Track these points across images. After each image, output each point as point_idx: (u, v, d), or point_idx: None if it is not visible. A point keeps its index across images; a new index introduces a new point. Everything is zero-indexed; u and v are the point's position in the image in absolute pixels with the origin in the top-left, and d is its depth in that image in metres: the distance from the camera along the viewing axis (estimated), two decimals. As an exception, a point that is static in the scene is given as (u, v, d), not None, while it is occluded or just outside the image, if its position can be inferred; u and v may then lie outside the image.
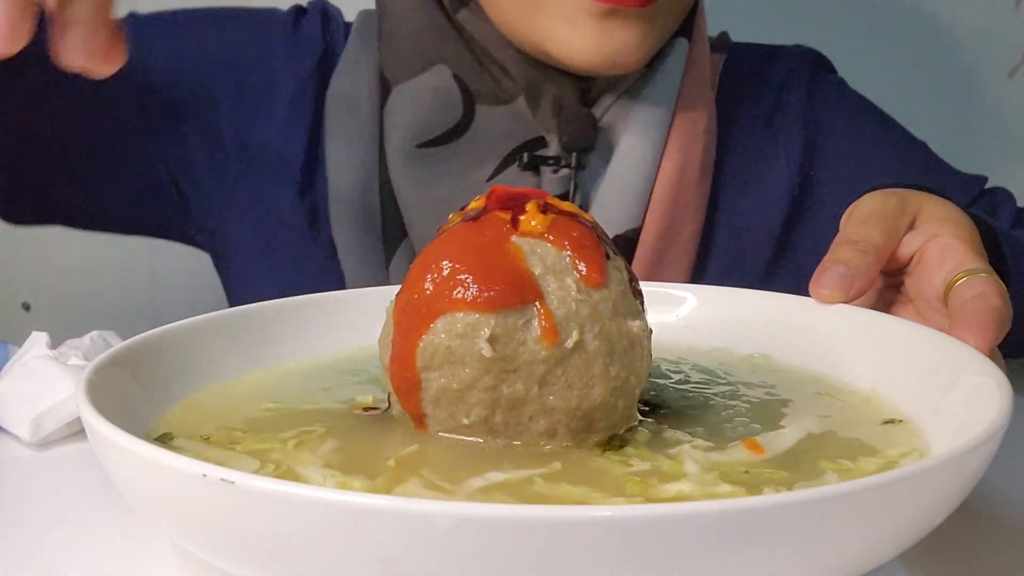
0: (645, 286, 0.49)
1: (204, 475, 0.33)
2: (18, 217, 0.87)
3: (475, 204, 0.46)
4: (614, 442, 0.44)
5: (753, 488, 0.39)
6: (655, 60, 0.82)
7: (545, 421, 0.42)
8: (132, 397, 0.48)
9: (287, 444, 0.44)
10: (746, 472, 0.41)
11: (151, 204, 0.88)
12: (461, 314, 0.42)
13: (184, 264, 1.89)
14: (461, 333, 0.42)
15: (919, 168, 0.89)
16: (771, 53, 0.93)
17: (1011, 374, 0.44)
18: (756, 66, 0.92)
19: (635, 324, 0.44)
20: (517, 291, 0.42)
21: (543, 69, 0.79)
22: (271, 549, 0.34)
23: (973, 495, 0.38)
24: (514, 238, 0.43)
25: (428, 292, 0.43)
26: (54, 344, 0.64)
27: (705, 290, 0.66)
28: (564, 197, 0.76)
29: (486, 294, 0.42)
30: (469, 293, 0.42)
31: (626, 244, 0.81)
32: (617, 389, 0.43)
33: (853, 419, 0.49)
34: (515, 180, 0.79)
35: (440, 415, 0.44)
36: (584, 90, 0.81)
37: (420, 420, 0.45)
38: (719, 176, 0.87)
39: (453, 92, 0.78)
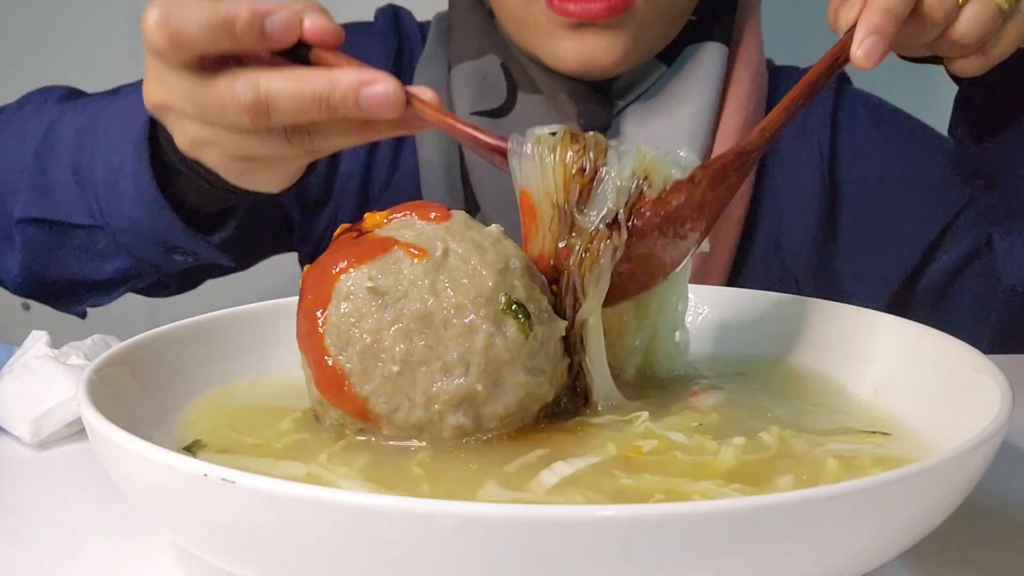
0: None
1: (205, 475, 0.33)
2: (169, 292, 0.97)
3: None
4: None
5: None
6: (682, 64, 0.90)
7: (457, 319, 0.44)
8: (133, 397, 0.48)
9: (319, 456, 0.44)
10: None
11: (274, 239, 1.00)
12: (341, 279, 0.46)
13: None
14: (348, 292, 0.45)
15: (944, 157, 0.92)
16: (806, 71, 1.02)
17: (1011, 374, 0.44)
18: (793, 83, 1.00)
19: (492, 228, 0.49)
20: (376, 246, 0.47)
21: (556, 73, 0.88)
22: (271, 549, 0.34)
23: (973, 495, 0.38)
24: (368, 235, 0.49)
25: (311, 288, 0.47)
26: (55, 346, 0.64)
27: (702, 290, 0.66)
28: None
29: (350, 257, 0.47)
30: (339, 264, 0.47)
31: None
32: (503, 271, 0.46)
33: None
34: None
35: (373, 386, 0.45)
36: (604, 91, 0.89)
37: (364, 414, 0.45)
38: (763, 177, 0.94)
39: (499, 78, 0.91)
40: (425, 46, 0.97)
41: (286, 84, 0.51)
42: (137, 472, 0.37)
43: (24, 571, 0.44)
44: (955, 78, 0.66)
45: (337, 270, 0.46)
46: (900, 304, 0.91)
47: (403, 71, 0.97)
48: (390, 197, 0.95)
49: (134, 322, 0.73)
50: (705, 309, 0.64)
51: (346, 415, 0.46)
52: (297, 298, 0.62)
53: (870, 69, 0.52)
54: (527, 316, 0.46)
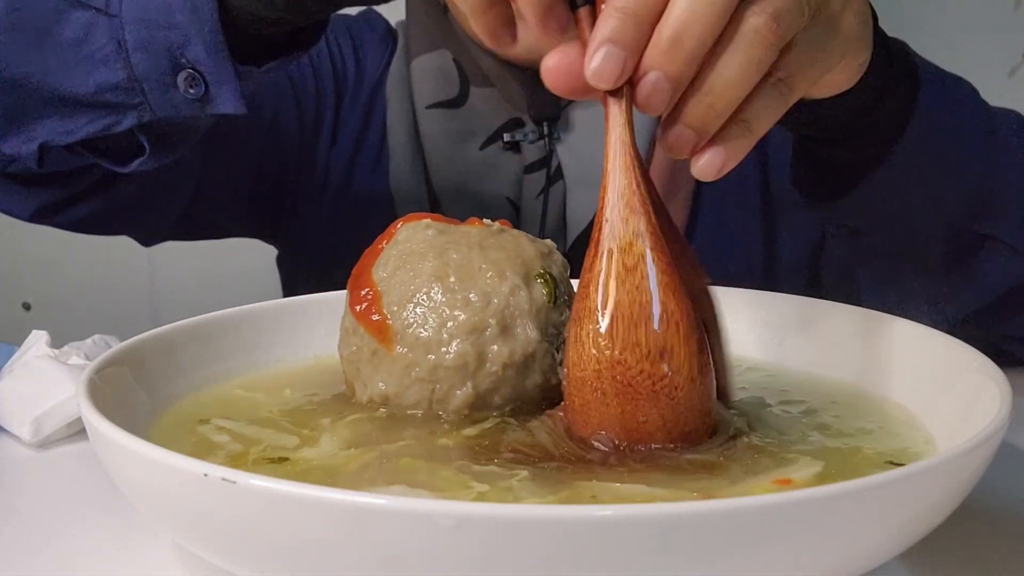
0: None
1: (205, 475, 0.33)
2: (156, 241, 0.97)
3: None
4: None
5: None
6: None
7: (492, 271, 0.48)
8: (133, 396, 0.48)
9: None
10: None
11: (255, 216, 1.00)
12: (412, 222, 0.51)
13: (183, 264, 1.89)
14: (412, 228, 0.51)
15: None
16: None
17: (1011, 375, 0.44)
18: None
19: (548, 240, 0.54)
20: (449, 220, 0.52)
21: (508, 62, 0.91)
22: (271, 549, 0.34)
23: (973, 495, 0.38)
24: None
25: (385, 233, 0.52)
26: (56, 346, 0.64)
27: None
28: (543, 164, 0.90)
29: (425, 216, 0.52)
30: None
31: None
32: (547, 255, 0.51)
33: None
34: (500, 155, 0.93)
35: (398, 304, 0.48)
36: None
37: (382, 331, 0.48)
38: None
39: (452, 72, 0.93)
40: (399, 43, 1.00)
41: None
42: (137, 472, 0.37)
43: (24, 571, 0.44)
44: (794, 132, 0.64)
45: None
46: (815, 268, 0.93)
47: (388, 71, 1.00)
48: (366, 177, 0.97)
49: (134, 322, 0.73)
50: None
51: (366, 335, 0.48)
52: (297, 298, 0.63)
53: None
54: (556, 287, 0.49)
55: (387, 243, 0.51)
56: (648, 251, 0.42)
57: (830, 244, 0.85)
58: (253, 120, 0.91)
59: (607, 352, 0.42)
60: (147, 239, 0.94)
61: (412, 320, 0.47)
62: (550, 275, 0.49)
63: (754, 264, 0.93)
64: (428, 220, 0.51)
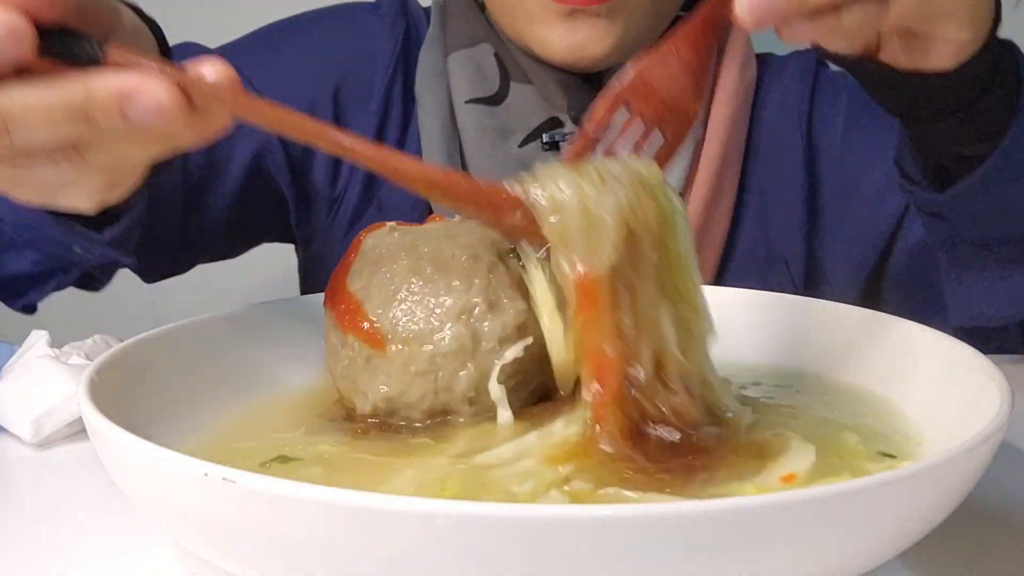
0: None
1: (206, 474, 0.33)
2: (158, 276, 0.98)
3: None
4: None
5: None
6: None
7: (465, 255, 0.49)
8: (133, 397, 0.48)
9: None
10: None
11: (269, 223, 0.99)
12: (375, 232, 0.52)
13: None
14: (377, 235, 0.51)
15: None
16: (788, 57, 1.03)
17: (1011, 374, 0.44)
18: (776, 69, 1.01)
19: None
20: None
21: (547, 63, 0.89)
22: (271, 549, 0.34)
23: (973, 495, 0.38)
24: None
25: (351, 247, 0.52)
26: (56, 346, 0.64)
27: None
28: None
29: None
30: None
31: None
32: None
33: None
34: (539, 155, 0.90)
35: (382, 307, 0.48)
36: (594, 82, 0.89)
37: (372, 336, 0.48)
38: (748, 163, 0.95)
39: (493, 67, 0.92)
40: (429, 30, 0.97)
41: (26, 96, 0.39)
42: (137, 472, 0.37)
43: (24, 571, 0.44)
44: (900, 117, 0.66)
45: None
46: (876, 282, 0.92)
47: (411, 55, 0.97)
48: (394, 187, 0.95)
49: (135, 322, 0.73)
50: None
51: (357, 342, 0.49)
52: (298, 297, 0.63)
53: (750, 29, 0.47)
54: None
55: (355, 255, 0.51)
56: None
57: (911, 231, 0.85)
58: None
59: None
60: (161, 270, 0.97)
61: (400, 317, 0.48)
62: (519, 252, 0.50)
63: (796, 275, 0.93)
64: (391, 224, 0.52)
